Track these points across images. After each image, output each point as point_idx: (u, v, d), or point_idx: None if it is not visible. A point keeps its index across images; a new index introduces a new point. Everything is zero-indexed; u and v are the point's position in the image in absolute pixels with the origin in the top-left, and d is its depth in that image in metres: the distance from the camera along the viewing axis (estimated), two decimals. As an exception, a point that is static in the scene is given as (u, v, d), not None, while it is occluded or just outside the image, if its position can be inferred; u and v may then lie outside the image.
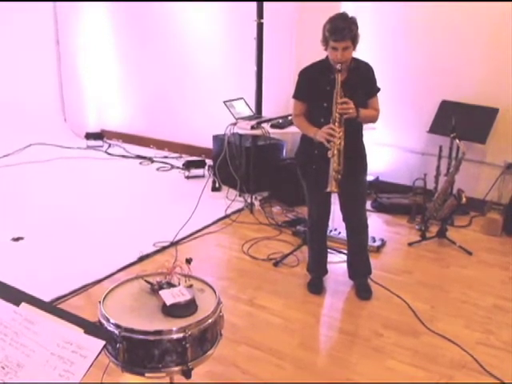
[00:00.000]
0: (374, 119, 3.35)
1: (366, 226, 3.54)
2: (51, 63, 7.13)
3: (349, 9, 4.90)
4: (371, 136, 4.91)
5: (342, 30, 2.99)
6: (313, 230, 3.61)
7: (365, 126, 3.40)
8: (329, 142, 3.07)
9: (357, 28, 3.06)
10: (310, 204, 3.53)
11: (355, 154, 3.28)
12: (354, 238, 3.56)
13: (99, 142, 6.92)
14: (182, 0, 5.92)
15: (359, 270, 3.60)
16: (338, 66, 3.05)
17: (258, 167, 5.02)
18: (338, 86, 3.08)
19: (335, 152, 3.06)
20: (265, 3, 4.90)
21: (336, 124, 3.08)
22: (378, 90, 3.32)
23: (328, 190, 3.11)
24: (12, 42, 6.64)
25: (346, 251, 3.72)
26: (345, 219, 3.53)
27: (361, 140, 3.38)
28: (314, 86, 3.23)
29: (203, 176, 5.67)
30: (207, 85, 6.01)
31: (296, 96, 3.34)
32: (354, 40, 3.05)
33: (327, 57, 3.16)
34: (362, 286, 3.56)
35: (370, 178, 5.14)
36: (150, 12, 6.35)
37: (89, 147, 6.80)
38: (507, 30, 4.49)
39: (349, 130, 3.12)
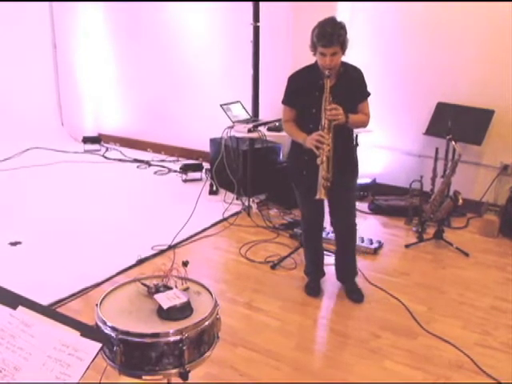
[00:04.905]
0: (363, 124, 3.30)
1: (355, 231, 3.52)
2: (48, 67, 7.14)
3: (345, 10, 4.95)
4: (368, 138, 4.94)
5: (330, 35, 2.95)
6: (308, 232, 3.61)
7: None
8: (318, 148, 3.05)
9: (345, 33, 3.02)
10: (303, 208, 3.53)
11: (345, 159, 3.24)
12: (342, 243, 3.55)
13: (96, 146, 6.93)
14: (180, 0, 5.94)
15: (347, 272, 3.60)
16: (327, 72, 3.02)
17: (255, 170, 5.03)
18: (326, 91, 3.04)
19: (324, 159, 3.04)
20: (261, 6, 4.91)
21: (325, 130, 3.04)
22: (368, 94, 3.27)
23: (317, 197, 3.11)
24: (9, 47, 6.65)
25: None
26: (333, 224, 3.53)
27: (351, 145, 3.36)
28: (302, 91, 3.21)
29: (200, 179, 5.68)
30: (204, 88, 6.03)
31: (285, 102, 3.31)
32: (342, 45, 3.02)
33: (316, 62, 3.13)
34: (351, 288, 3.55)
35: (366, 180, 5.18)
36: (148, 16, 6.37)
37: (86, 151, 6.82)
38: (503, 31, 4.51)
39: (339, 136, 3.09)
